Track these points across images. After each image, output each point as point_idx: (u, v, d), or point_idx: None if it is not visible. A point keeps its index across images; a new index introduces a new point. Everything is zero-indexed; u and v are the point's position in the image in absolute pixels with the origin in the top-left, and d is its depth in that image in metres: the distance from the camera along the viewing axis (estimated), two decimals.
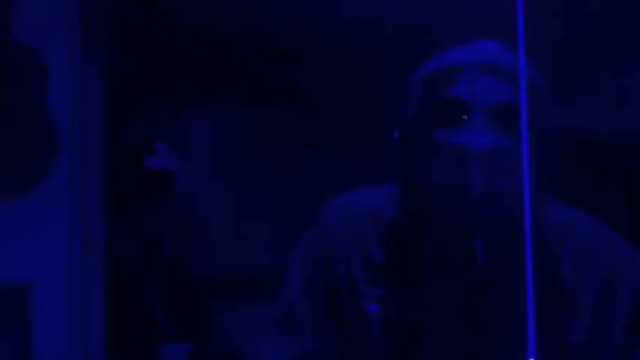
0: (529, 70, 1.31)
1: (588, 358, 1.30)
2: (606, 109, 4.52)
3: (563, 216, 1.39)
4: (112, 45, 3.40)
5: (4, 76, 2.93)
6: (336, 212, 1.43)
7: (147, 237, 4.60)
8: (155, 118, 5.06)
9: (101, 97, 3.21)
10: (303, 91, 5.53)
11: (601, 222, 1.42)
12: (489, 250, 1.27)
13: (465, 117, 1.27)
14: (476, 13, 3.86)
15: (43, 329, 2.96)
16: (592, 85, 4.71)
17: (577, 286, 1.33)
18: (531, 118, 1.27)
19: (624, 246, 1.40)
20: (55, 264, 2.97)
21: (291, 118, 5.77)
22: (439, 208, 1.27)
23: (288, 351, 1.39)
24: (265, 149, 5.88)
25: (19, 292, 2.94)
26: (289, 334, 1.40)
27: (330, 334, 1.39)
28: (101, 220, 3.18)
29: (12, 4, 2.95)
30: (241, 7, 4.10)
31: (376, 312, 1.36)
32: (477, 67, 1.30)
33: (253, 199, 5.85)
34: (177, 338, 4.62)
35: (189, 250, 5.54)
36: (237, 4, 4.08)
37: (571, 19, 3.90)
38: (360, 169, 2.98)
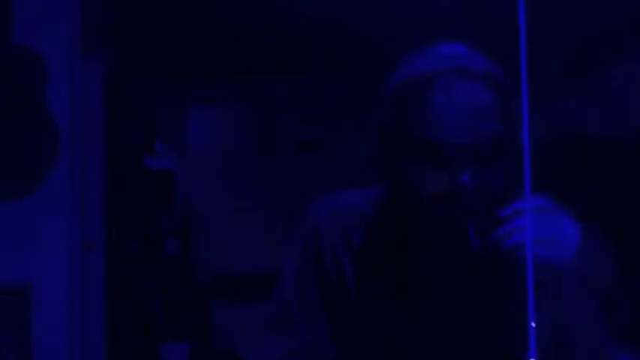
0: (499, 72, 1.32)
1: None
2: (605, 109, 4.53)
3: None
4: (112, 45, 3.41)
5: (4, 77, 2.94)
6: (324, 212, 1.46)
7: (147, 237, 4.61)
8: (155, 118, 5.06)
9: (101, 97, 3.22)
10: (303, 90, 5.53)
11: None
12: (483, 238, 1.27)
13: (446, 123, 1.26)
14: (475, 12, 3.87)
15: (43, 329, 2.96)
16: (590, 85, 4.72)
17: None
18: (505, 118, 1.27)
19: (584, 229, 1.41)
20: (55, 264, 2.97)
21: (291, 119, 5.78)
22: (426, 205, 1.28)
23: (285, 348, 1.41)
24: (265, 150, 5.89)
25: (19, 292, 2.94)
26: (285, 331, 1.42)
27: (324, 330, 1.41)
28: (101, 220, 3.18)
29: (13, 6, 2.96)
30: (241, 6, 4.10)
31: (368, 307, 1.38)
32: (451, 72, 1.29)
33: (253, 200, 5.86)
34: (177, 338, 4.63)
35: (189, 250, 5.55)
36: (236, 2, 4.08)
37: (570, 20, 3.91)
38: (357, 169, 2.99)
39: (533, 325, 0.72)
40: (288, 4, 4.04)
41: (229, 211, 5.86)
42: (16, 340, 2.93)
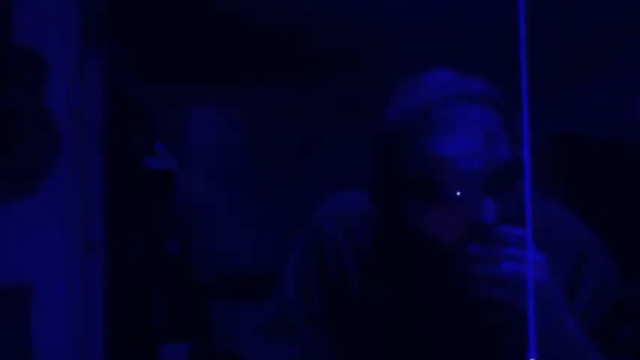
0: (495, 91, 1.25)
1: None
2: (603, 109, 4.54)
3: (542, 207, 1.35)
4: (112, 45, 3.40)
5: (4, 76, 2.94)
6: (327, 213, 1.44)
7: (147, 237, 4.61)
8: (155, 118, 5.07)
9: (101, 97, 3.22)
10: (303, 90, 5.53)
11: (573, 213, 1.39)
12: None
13: (452, 157, 1.18)
14: (473, 13, 3.87)
15: (43, 329, 2.96)
16: (589, 85, 4.73)
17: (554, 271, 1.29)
18: (512, 138, 1.20)
19: (593, 239, 1.37)
20: (55, 264, 2.97)
21: (291, 119, 5.78)
22: (439, 252, 1.24)
23: (285, 348, 1.40)
24: (265, 150, 5.89)
25: (19, 292, 2.94)
26: (285, 332, 1.41)
27: (325, 334, 1.40)
28: (101, 220, 3.18)
29: (12, 5, 2.96)
30: (241, 6, 4.10)
31: (370, 311, 1.37)
32: (446, 100, 1.21)
33: (253, 200, 5.87)
34: (177, 338, 4.63)
35: (190, 250, 5.55)
36: (236, 3, 4.08)
37: (568, 20, 3.91)
38: (358, 170, 2.98)
39: (532, 326, 0.72)
40: (287, 4, 4.04)
41: (229, 211, 5.86)
42: (16, 340, 2.93)
